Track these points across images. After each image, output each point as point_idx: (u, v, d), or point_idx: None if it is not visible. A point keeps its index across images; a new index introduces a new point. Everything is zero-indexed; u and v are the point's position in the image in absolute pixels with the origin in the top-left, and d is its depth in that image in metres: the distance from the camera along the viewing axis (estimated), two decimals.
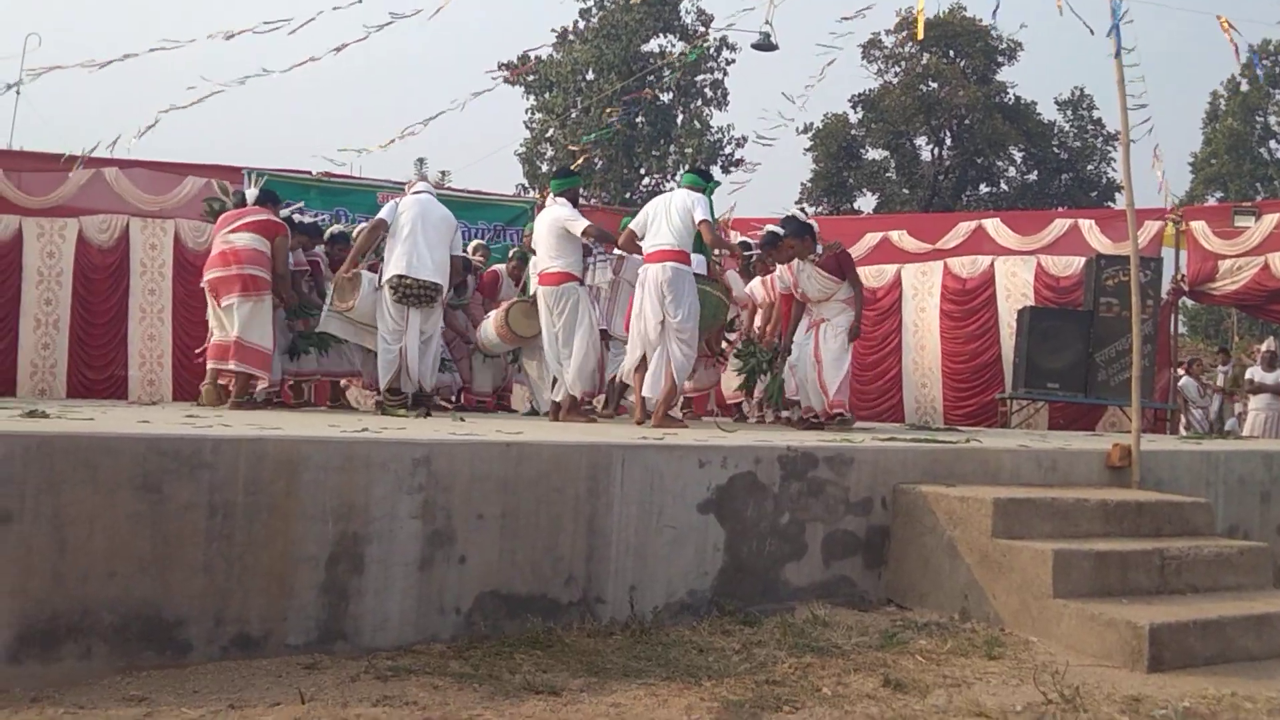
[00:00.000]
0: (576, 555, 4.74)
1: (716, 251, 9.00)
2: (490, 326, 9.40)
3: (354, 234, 9.85)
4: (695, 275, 8.16)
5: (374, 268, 8.88)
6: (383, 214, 8.59)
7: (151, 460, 3.98)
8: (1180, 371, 16.43)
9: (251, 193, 9.20)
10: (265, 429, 4.78)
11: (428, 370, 8.54)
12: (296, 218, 9.52)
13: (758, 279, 10.12)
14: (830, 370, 8.13)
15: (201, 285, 8.86)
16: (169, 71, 9.31)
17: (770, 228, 8.92)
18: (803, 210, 9.01)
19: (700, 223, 7.81)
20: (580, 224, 8.17)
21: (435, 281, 8.37)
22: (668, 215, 7.88)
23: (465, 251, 10.50)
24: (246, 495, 4.11)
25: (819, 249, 8.31)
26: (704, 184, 8.35)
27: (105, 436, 3.99)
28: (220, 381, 8.74)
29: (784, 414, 9.20)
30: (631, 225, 8.17)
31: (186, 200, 11.79)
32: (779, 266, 8.71)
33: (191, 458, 4.04)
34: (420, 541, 4.41)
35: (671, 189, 8.46)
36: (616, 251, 8.88)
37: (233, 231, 8.64)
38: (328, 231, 10.18)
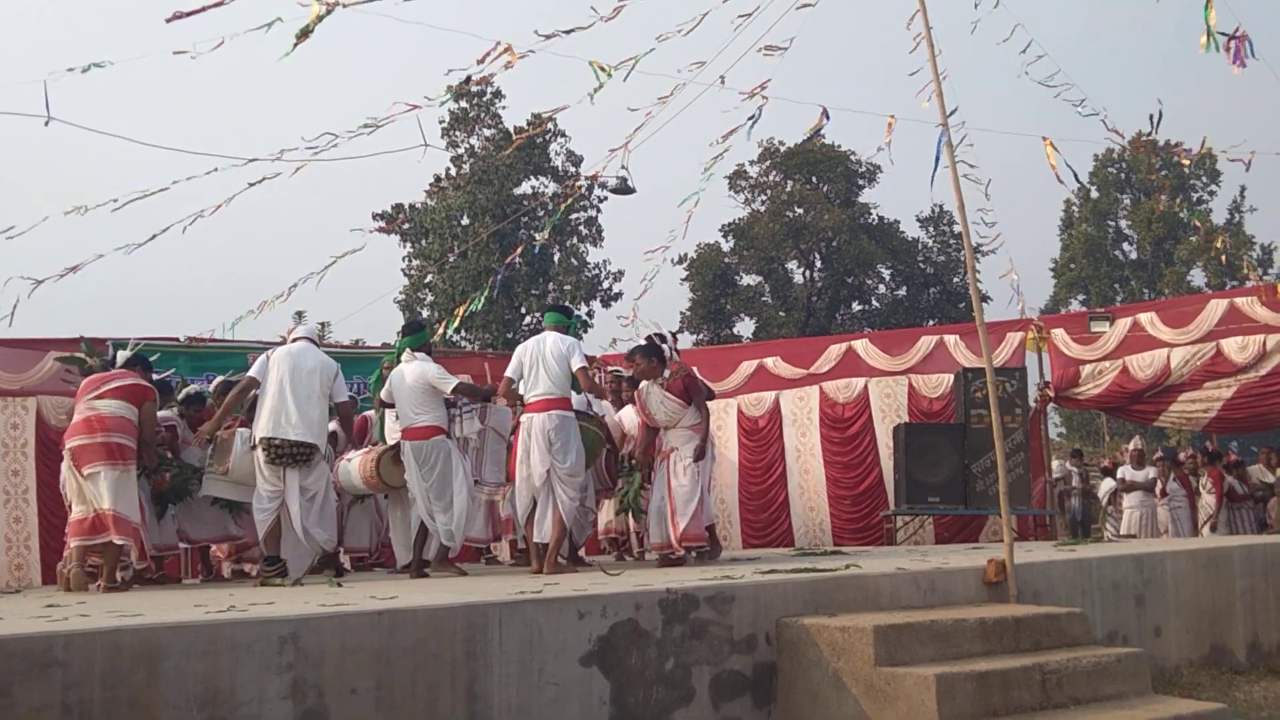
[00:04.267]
0: None
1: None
2: (354, 472, 9.12)
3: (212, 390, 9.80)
4: (579, 413, 8.27)
5: (243, 424, 8.73)
6: (254, 371, 8.29)
7: None
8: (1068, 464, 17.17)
9: (123, 354, 8.89)
10: (125, 617, 4.61)
11: (325, 527, 8.28)
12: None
13: (629, 408, 10.22)
14: (682, 505, 8.10)
15: (62, 452, 8.43)
16: (27, 245, 9.12)
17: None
18: (665, 335, 8.96)
19: (578, 370, 8.00)
20: (450, 382, 8.31)
21: (305, 441, 8.09)
22: (544, 363, 8.03)
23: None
24: (104, 690, 3.94)
25: (666, 373, 8.35)
26: (568, 320, 8.54)
27: None
28: (91, 560, 8.24)
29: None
30: (508, 374, 8.23)
31: (48, 377, 11.43)
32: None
33: (42, 656, 3.86)
34: None
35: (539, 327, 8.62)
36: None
37: (98, 398, 8.26)
38: (182, 391, 9.99)
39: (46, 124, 7.28)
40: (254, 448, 8.24)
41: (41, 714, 3.82)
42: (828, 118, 8.09)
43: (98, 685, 3.93)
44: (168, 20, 6.86)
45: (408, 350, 8.62)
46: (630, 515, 9.95)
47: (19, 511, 11.39)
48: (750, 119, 9.19)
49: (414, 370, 8.35)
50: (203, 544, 9.94)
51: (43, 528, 11.36)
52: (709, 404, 8.75)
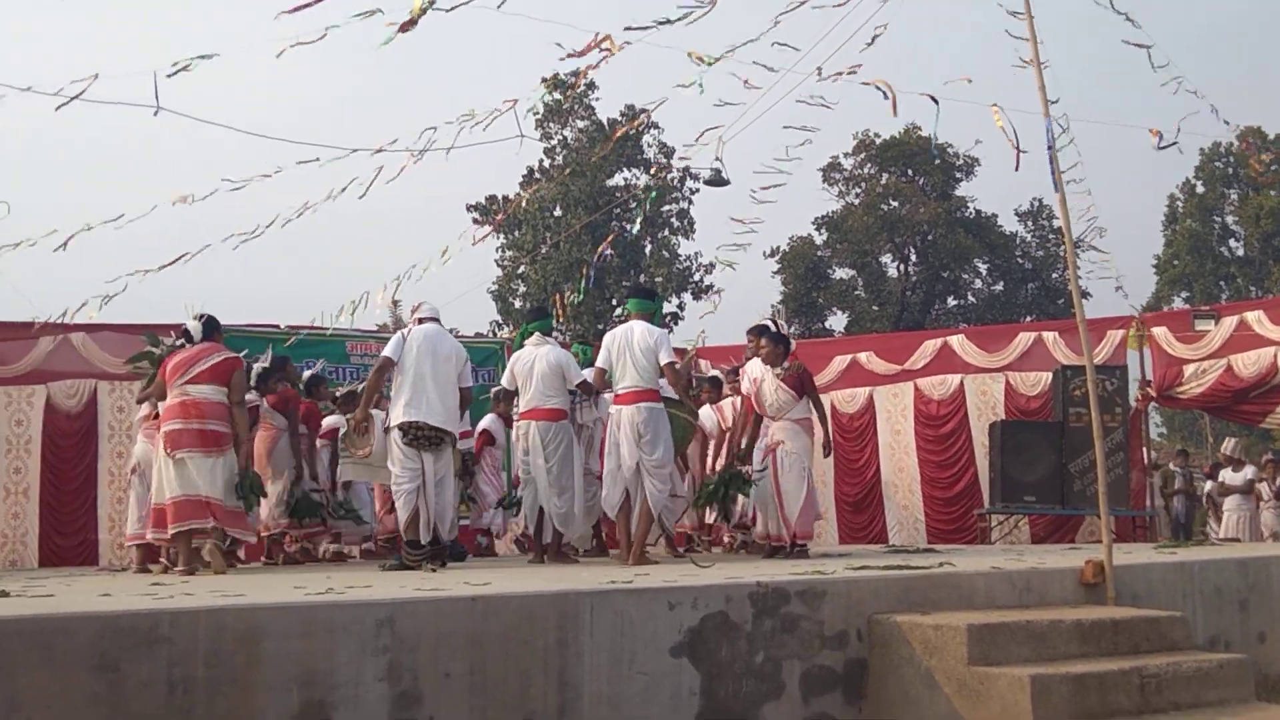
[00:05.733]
0: (548, 709, 4.66)
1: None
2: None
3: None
4: (667, 400, 8.30)
5: (379, 405, 8.88)
6: (389, 351, 8.13)
7: (109, 638, 3.91)
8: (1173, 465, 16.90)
9: (194, 325, 8.64)
10: (227, 596, 4.72)
11: (445, 514, 8.20)
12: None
13: (707, 406, 10.29)
14: (791, 501, 8.37)
15: (157, 435, 8.38)
16: (135, 233, 9.33)
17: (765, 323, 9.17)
18: (774, 321, 9.24)
19: (665, 366, 8.01)
20: (579, 377, 8.52)
21: (444, 428, 8.07)
22: (631, 355, 8.05)
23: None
24: (207, 668, 4.04)
25: (785, 364, 8.57)
26: (653, 305, 8.57)
27: (60, 617, 3.93)
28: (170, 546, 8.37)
29: (740, 538, 9.32)
30: (600, 364, 8.32)
31: None
32: (746, 371, 8.96)
33: (149, 633, 3.97)
34: (387, 704, 4.32)
35: (623, 316, 8.65)
36: None
37: (190, 382, 8.18)
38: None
39: (155, 114, 7.45)
40: (388, 430, 8.23)
41: (148, 689, 3.93)
42: (935, 101, 7.89)
43: (201, 663, 4.03)
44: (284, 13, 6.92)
45: (537, 334, 8.78)
46: (708, 509, 9.99)
47: (123, 492, 11.71)
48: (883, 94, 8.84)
49: (549, 355, 8.57)
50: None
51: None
52: None
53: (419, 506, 7.97)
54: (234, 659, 4.08)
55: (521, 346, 8.91)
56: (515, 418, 9.10)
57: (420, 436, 7.97)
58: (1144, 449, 13.91)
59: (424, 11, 6.98)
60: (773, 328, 9.00)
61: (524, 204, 31.69)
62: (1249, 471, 15.03)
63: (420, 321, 8.36)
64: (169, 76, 7.39)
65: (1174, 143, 8.35)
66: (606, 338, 8.37)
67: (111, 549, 11.60)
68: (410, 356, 8.05)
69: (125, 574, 8.90)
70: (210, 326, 8.65)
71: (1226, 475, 15.32)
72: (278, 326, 12.83)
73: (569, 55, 8.05)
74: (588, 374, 8.68)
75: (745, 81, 8.62)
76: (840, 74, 8.17)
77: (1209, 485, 16.69)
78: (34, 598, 5.01)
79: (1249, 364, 12.65)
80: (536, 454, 8.48)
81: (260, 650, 4.12)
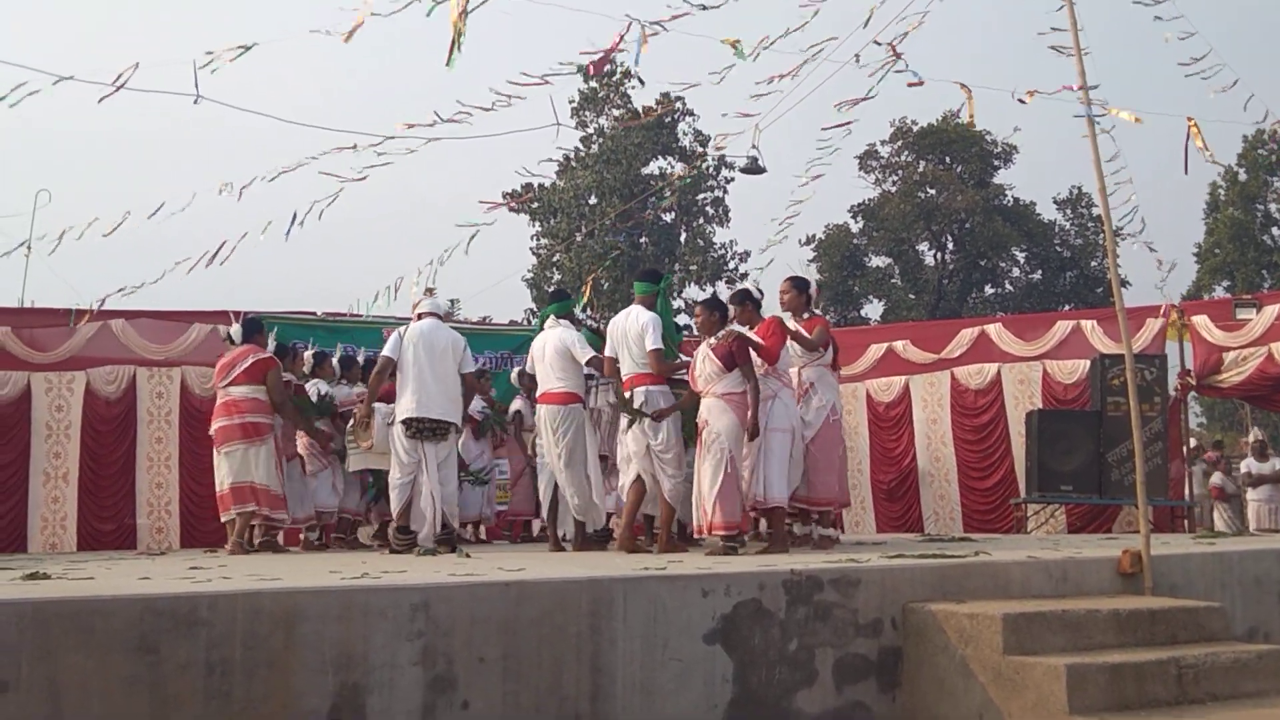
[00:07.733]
0: (581, 695, 4.68)
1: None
2: None
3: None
4: (673, 381, 8.13)
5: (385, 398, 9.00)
6: (387, 351, 8.46)
7: (148, 621, 3.96)
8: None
9: (236, 329, 9.53)
10: (264, 580, 4.76)
11: (451, 499, 8.43)
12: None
13: None
14: (705, 486, 7.29)
15: (210, 434, 9.40)
16: (177, 222, 9.42)
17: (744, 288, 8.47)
18: (750, 290, 8.32)
19: (650, 351, 7.85)
20: (586, 353, 8.32)
21: (445, 420, 8.34)
22: (626, 343, 8.02)
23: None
24: (245, 650, 4.08)
25: (720, 333, 7.60)
26: (656, 286, 8.40)
27: (100, 599, 3.98)
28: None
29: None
30: (607, 353, 8.23)
31: (193, 348, 11.86)
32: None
33: (188, 615, 4.02)
34: (422, 689, 4.36)
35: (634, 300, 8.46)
36: None
37: (231, 384, 9.17)
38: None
39: (195, 102, 7.51)
40: (391, 423, 8.56)
41: (186, 671, 3.98)
42: (968, 91, 7.79)
43: (239, 645, 4.07)
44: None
45: (551, 317, 8.75)
46: None
47: (161, 477, 11.86)
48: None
49: (556, 336, 8.48)
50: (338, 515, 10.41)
51: (183, 493, 11.83)
52: (825, 358, 8.36)
53: (413, 497, 8.33)
54: (271, 641, 4.12)
55: (541, 329, 8.92)
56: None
57: (424, 428, 8.28)
58: (1184, 439, 13.73)
59: (465, 14, 6.98)
60: (742, 293, 8.19)
61: (554, 176, 31.78)
62: (1277, 462, 14.89)
63: (420, 317, 8.66)
64: (214, 57, 7.46)
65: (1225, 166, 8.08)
66: (610, 325, 8.31)
67: (150, 533, 11.73)
68: (408, 354, 8.36)
69: (163, 557, 9.00)
70: (250, 329, 9.47)
71: (1252, 465, 15.17)
72: (313, 314, 12.88)
73: (591, 64, 8.05)
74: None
75: (773, 79, 8.58)
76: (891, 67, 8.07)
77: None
78: (75, 580, 5.07)
79: None
80: (547, 438, 8.44)
81: (297, 633, 4.16)
